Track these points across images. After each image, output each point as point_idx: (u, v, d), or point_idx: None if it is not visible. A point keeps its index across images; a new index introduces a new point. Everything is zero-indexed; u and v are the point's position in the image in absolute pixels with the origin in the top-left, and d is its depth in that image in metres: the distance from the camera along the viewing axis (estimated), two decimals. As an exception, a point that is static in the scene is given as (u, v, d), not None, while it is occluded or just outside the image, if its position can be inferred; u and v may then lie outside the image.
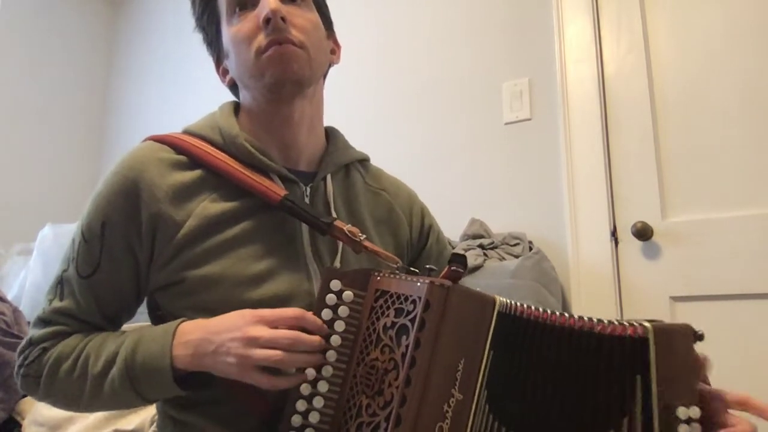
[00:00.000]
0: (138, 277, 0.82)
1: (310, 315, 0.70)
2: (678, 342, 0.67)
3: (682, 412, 0.64)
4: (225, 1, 0.87)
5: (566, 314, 0.66)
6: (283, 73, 0.81)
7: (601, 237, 1.72)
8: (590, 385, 0.65)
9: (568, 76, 1.86)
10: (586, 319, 0.66)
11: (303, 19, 0.84)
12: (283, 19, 0.80)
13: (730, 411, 0.67)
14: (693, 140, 1.66)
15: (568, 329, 0.65)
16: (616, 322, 0.66)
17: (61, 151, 3.14)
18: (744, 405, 0.67)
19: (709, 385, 0.71)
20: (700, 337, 0.69)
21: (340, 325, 0.70)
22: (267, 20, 0.80)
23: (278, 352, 0.66)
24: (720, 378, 1.48)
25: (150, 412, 1.40)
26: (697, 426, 0.65)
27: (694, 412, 0.65)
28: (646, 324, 0.66)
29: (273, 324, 0.68)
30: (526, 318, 0.65)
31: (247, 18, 0.83)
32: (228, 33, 0.87)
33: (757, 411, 0.65)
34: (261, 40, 0.81)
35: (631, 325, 0.66)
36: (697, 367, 0.69)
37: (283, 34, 0.81)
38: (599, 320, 0.66)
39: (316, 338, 0.68)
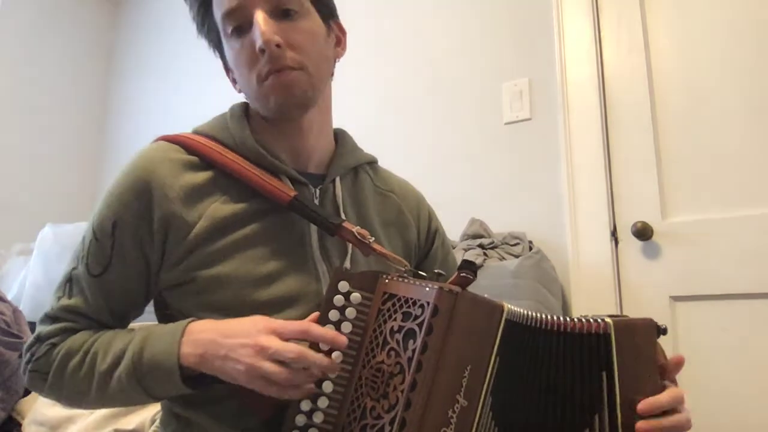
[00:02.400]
0: (148, 276, 0.82)
1: (316, 327, 0.69)
2: (640, 337, 0.68)
3: None
4: (219, 20, 0.85)
5: (556, 316, 0.67)
6: (286, 99, 0.81)
7: (601, 237, 1.73)
8: (571, 385, 0.66)
9: (568, 76, 1.86)
10: (563, 319, 0.67)
11: (300, 35, 0.82)
12: (278, 45, 0.79)
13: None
14: (693, 140, 1.66)
15: (556, 331, 0.66)
16: (583, 320, 0.67)
17: (61, 151, 3.13)
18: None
19: (676, 384, 0.73)
20: (663, 331, 0.70)
21: (346, 327, 0.70)
22: (262, 50, 0.79)
23: (285, 372, 0.65)
24: (720, 378, 1.50)
25: (150, 412, 1.40)
26: None
27: None
28: (608, 320, 0.67)
29: (284, 336, 0.68)
30: (532, 325, 0.66)
31: (244, 43, 0.82)
32: (229, 52, 0.86)
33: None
34: (261, 67, 0.80)
35: (595, 321, 0.67)
36: (661, 361, 0.69)
37: (280, 62, 0.79)
38: (572, 319, 0.67)
39: (324, 359, 0.67)
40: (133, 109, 3.24)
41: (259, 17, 0.79)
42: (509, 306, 0.64)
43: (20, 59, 3.00)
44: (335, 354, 0.69)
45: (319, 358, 0.67)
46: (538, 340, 0.66)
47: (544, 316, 0.66)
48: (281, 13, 0.81)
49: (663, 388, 0.69)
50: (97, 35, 3.38)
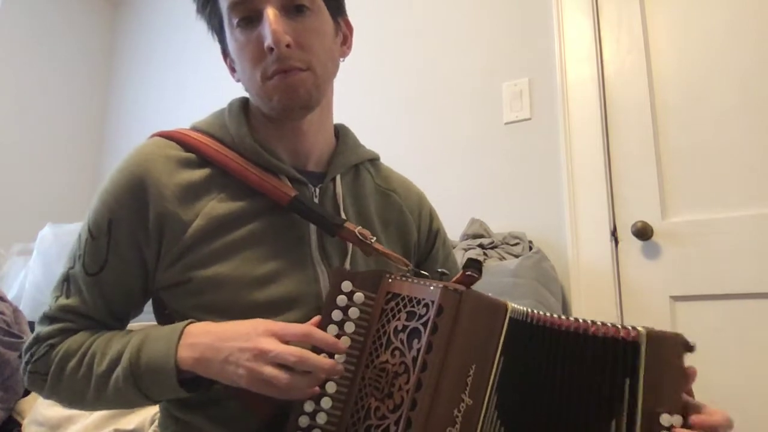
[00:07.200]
0: (145, 274, 0.81)
1: (318, 332, 0.68)
2: (668, 350, 0.66)
3: (665, 419, 0.65)
4: (225, 9, 0.81)
5: (568, 317, 0.67)
6: (290, 100, 0.79)
7: (601, 237, 1.73)
8: (586, 388, 0.65)
9: (568, 76, 1.86)
10: (582, 321, 0.66)
11: (310, 34, 0.80)
12: (288, 45, 0.76)
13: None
14: (693, 140, 1.66)
15: (567, 332, 0.66)
16: (610, 325, 0.67)
17: (61, 151, 3.13)
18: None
19: (693, 397, 0.71)
20: (690, 349, 0.68)
21: (349, 327, 0.70)
22: (271, 49, 0.76)
23: (286, 376, 0.65)
24: (720, 377, 1.50)
25: (150, 412, 1.40)
26: None
27: (677, 420, 0.65)
28: (640, 329, 0.66)
29: (284, 338, 0.67)
30: (536, 324, 0.65)
31: (250, 37, 0.78)
32: (232, 42, 0.82)
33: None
34: (266, 65, 0.78)
35: (625, 328, 0.66)
36: (685, 377, 0.69)
37: (288, 62, 0.77)
38: (594, 322, 0.66)
39: (325, 361, 0.66)
40: (133, 109, 3.24)
41: (271, 14, 0.76)
42: (512, 305, 0.64)
43: (20, 59, 3.00)
44: (337, 356, 0.68)
45: (321, 361, 0.66)
46: (551, 340, 0.65)
47: (560, 317, 0.66)
48: (293, 9, 0.79)
49: (685, 404, 0.67)
50: (97, 36, 3.37)
